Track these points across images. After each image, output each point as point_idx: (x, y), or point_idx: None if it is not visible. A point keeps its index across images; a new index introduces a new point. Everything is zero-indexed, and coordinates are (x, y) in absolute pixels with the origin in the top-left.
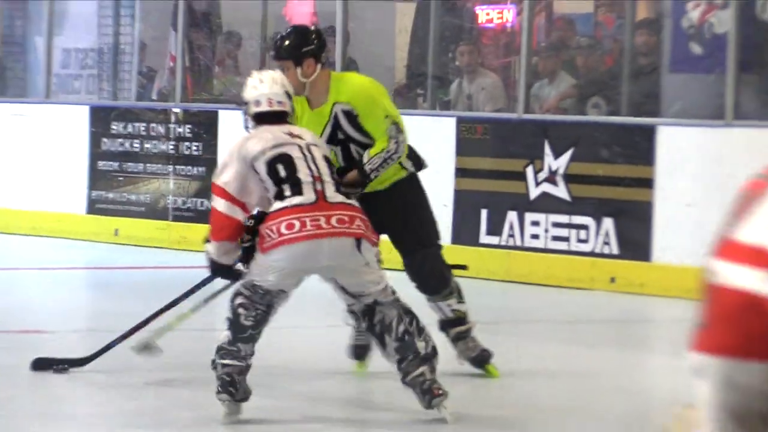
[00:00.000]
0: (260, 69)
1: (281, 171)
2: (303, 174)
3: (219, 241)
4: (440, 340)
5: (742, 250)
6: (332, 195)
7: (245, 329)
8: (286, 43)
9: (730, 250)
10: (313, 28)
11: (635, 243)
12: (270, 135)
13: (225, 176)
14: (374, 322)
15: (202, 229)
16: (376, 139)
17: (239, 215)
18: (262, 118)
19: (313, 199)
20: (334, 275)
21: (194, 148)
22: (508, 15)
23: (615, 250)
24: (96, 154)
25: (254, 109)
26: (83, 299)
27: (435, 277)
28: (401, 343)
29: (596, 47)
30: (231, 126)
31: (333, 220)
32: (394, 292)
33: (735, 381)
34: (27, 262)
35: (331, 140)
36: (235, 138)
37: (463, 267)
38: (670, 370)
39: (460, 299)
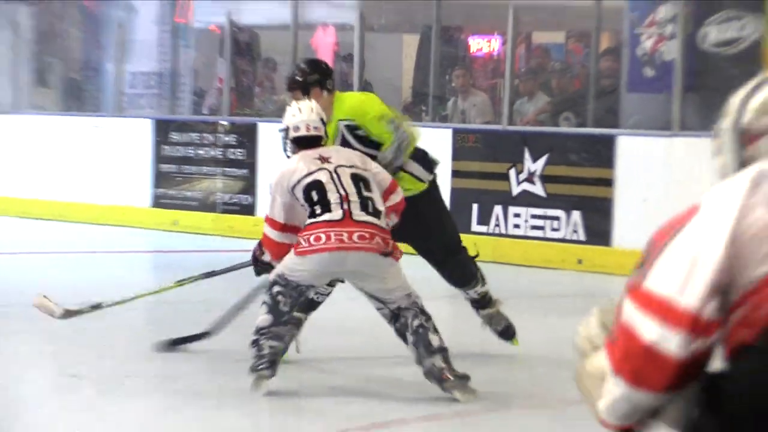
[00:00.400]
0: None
1: (314, 196)
2: (332, 196)
3: (275, 259)
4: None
5: (650, 300)
6: (358, 214)
7: (284, 314)
8: (294, 76)
9: (637, 295)
10: (317, 60)
11: (598, 231)
12: (303, 164)
13: (275, 211)
14: (398, 324)
15: (246, 220)
16: (384, 141)
17: (291, 239)
18: (300, 142)
19: (340, 216)
20: (360, 282)
21: (238, 153)
22: (494, 45)
23: (582, 237)
24: (158, 158)
25: (293, 134)
26: (148, 278)
27: (465, 277)
28: (416, 336)
29: (567, 71)
30: (268, 135)
31: (355, 236)
32: (416, 297)
33: (631, 396)
34: (102, 246)
35: None
36: (274, 155)
37: (476, 256)
38: None
39: (483, 283)
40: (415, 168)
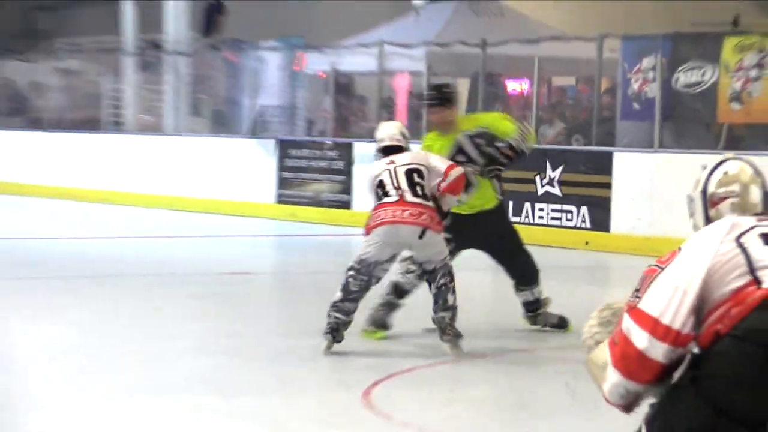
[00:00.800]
0: (377, 118)
1: (380, 190)
2: (390, 188)
3: None
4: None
5: (643, 317)
6: (409, 198)
7: (352, 293)
8: (437, 94)
9: (634, 313)
10: (451, 84)
11: (600, 221)
12: (377, 167)
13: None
14: (429, 277)
15: (344, 213)
16: (509, 134)
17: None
18: (384, 150)
19: (395, 199)
20: (411, 249)
21: (338, 164)
22: (524, 86)
23: (588, 225)
24: (281, 167)
25: (379, 144)
26: (274, 255)
27: (532, 279)
28: (438, 291)
29: (577, 105)
30: (360, 151)
31: (406, 213)
32: (448, 261)
33: (626, 384)
34: (240, 232)
35: (453, 158)
36: (365, 164)
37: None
38: (619, 294)
39: (539, 285)
40: (495, 184)
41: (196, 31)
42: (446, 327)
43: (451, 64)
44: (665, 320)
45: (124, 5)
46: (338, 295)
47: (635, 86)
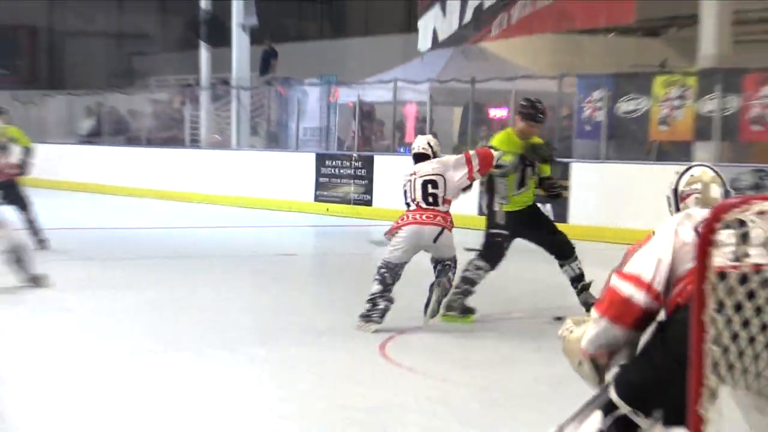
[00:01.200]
0: (392, 137)
1: (405, 196)
2: (409, 196)
3: None
4: None
5: (628, 275)
6: (424, 204)
7: (389, 285)
8: (540, 115)
9: (621, 274)
10: (535, 101)
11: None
12: (405, 177)
13: None
14: (437, 265)
15: (367, 209)
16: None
17: None
18: (415, 156)
19: (414, 206)
20: (428, 249)
21: (362, 172)
22: (503, 113)
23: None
24: (318, 173)
25: (413, 152)
26: (312, 242)
27: (570, 252)
28: (440, 270)
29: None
30: (380, 162)
31: (424, 216)
32: (455, 255)
33: (608, 330)
34: (281, 223)
35: (520, 160)
36: (384, 173)
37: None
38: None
39: (576, 259)
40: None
41: (255, 71)
42: (435, 302)
43: (447, 96)
44: (646, 277)
45: (200, 51)
46: (378, 287)
47: (587, 113)
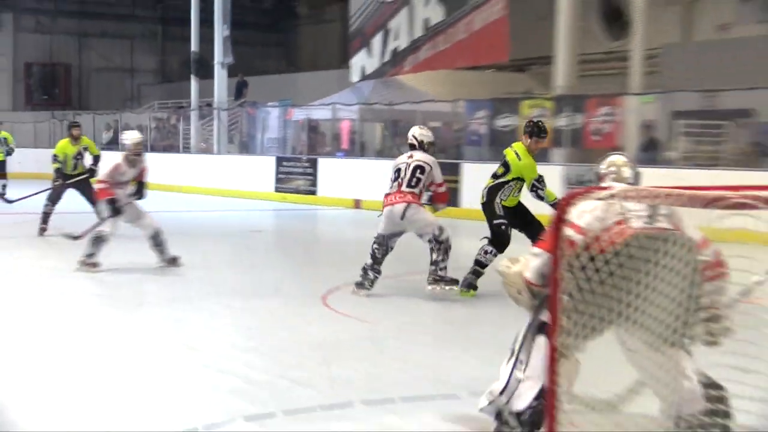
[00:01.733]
0: (330, 145)
1: (394, 175)
2: (400, 176)
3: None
4: None
5: (570, 223)
6: (405, 188)
7: (379, 259)
8: (541, 126)
9: (568, 224)
10: (537, 121)
11: (454, 200)
12: (401, 159)
13: None
14: (428, 242)
15: (310, 197)
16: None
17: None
18: (410, 146)
19: (396, 188)
20: (406, 228)
21: (310, 170)
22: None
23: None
24: (278, 170)
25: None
26: (274, 221)
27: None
28: (430, 246)
29: (442, 137)
30: (324, 164)
31: (396, 198)
32: (441, 231)
33: (549, 263)
34: (251, 208)
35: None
36: (328, 170)
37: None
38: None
39: None
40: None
41: (231, 97)
42: (431, 275)
43: (372, 115)
44: (582, 226)
45: (191, 82)
46: (369, 261)
47: (473, 127)
